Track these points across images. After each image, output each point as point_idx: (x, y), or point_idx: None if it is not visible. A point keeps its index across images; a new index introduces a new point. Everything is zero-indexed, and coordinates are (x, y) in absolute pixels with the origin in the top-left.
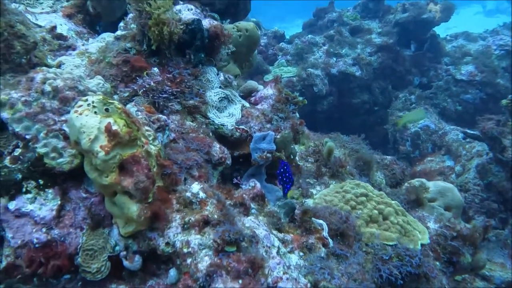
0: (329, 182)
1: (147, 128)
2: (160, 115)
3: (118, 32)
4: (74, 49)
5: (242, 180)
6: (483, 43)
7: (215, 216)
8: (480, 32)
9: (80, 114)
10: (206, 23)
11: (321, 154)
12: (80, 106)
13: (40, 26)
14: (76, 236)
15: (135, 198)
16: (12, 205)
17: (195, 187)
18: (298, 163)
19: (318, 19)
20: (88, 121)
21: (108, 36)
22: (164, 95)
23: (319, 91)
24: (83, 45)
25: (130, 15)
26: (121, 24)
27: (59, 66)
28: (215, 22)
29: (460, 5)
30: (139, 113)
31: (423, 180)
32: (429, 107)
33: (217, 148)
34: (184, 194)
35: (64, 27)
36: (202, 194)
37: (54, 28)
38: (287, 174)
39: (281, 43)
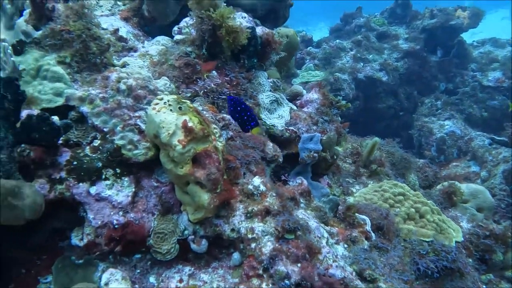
0: (367, 182)
1: (214, 126)
2: (225, 115)
3: (177, 37)
4: (135, 51)
5: (289, 177)
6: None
7: (275, 207)
8: (508, 37)
9: (159, 111)
10: (259, 30)
11: (359, 156)
12: (157, 104)
13: (103, 29)
14: (148, 220)
15: (205, 188)
16: (93, 190)
17: (256, 180)
18: (338, 163)
19: (345, 24)
20: (167, 117)
21: (162, 39)
22: (223, 96)
23: (346, 95)
24: (143, 47)
25: (187, 21)
26: (175, 28)
27: (123, 66)
28: (267, 30)
29: (487, 10)
30: (205, 112)
31: (456, 182)
32: (455, 113)
33: (271, 147)
34: (246, 186)
35: (123, 29)
36: (262, 187)
37: (117, 30)
38: (243, 108)
39: (309, 47)
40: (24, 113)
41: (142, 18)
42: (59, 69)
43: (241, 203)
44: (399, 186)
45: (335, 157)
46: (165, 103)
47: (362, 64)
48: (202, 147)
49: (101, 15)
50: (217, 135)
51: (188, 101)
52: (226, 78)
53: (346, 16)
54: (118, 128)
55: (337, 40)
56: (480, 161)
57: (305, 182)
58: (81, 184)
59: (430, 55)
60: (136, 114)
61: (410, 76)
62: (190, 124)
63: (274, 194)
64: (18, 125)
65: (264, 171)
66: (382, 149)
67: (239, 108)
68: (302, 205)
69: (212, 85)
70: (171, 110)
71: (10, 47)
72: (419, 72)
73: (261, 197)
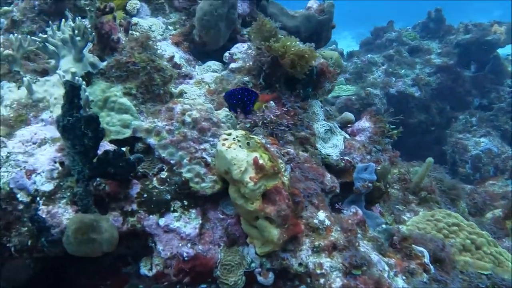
0: (417, 210)
1: (279, 160)
2: (289, 149)
3: (233, 65)
4: (190, 78)
5: (343, 206)
6: None
7: (341, 242)
8: None
9: (229, 147)
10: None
11: (406, 182)
12: (226, 139)
13: None
14: (215, 252)
15: (275, 223)
16: (162, 222)
17: (321, 215)
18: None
19: (376, 37)
20: (238, 154)
21: (213, 64)
22: (281, 127)
23: (377, 110)
24: (197, 74)
25: (238, 47)
26: (227, 54)
27: (180, 94)
28: (322, 60)
29: None
30: (269, 145)
31: None
32: (491, 130)
33: (329, 178)
34: (311, 220)
35: (176, 55)
36: (327, 221)
37: (172, 57)
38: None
39: None
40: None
41: (192, 42)
42: (126, 101)
43: (307, 237)
44: (453, 216)
45: (387, 186)
46: (234, 139)
47: (394, 79)
48: (272, 184)
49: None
50: (283, 170)
51: (255, 137)
52: (284, 109)
53: (377, 30)
54: (185, 160)
55: (369, 55)
56: None
57: (359, 211)
58: (151, 216)
59: (463, 70)
60: (202, 146)
61: (443, 91)
62: (261, 162)
63: (338, 229)
64: (94, 160)
65: (325, 203)
66: (429, 176)
67: (236, 93)
68: (359, 235)
69: (272, 116)
70: (240, 146)
71: (83, 82)
72: (452, 87)
73: (326, 231)
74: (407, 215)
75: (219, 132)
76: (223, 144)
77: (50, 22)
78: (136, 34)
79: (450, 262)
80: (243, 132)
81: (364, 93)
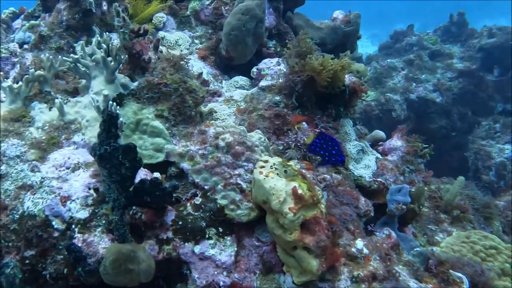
0: (450, 230)
1: (317, 187)
2: (326, 175)
3: (263, 83)
4: (219, 96)
5: (376, 228)
6: None
7: (381, 272)
8: None
9: (267, 176)
10: (347, 79)
11: (437, 200)
12: (263, 167)
13: None
14: (251, 280)
15: (313, 253)
16: (197, 249)
17: (359, 243)
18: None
19: (395, 41)
20: (276, 184)
21: (241, 80)
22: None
23: (397, 116)
24: (226, 91)
25: (266, 63)
26: (254, 70)
27: (210, 113)
28: (354, 78)
29: None
30: (304, 171)
31: None
32: None
33: (363, 202)
34: (349, 249)
35: (204, 71)
36: (365, 250)
37: (201, 74)
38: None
39: None
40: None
41: (219, 56)
42: (159, 124)
43: (345, 266)
44: (490, 238)
45: (421, 207)
46: (271, 166)
47: (414, 84)
48: (311, 214)
49: None
50: (320, 197)
51: (292, 164)
52: (316, 130)
53: (396, 33)
54: (219, 186)
55: (388, 60)
56: None
57: (393, 234)
58: (186, 244)
59: (486, 74)
60: (236, 172)
61: (465, 96)
62: (300, 192)
63: (377, 258)
64: (131, 189)
65: (360, 228)
66: (461, 193)
67: (328, 142)
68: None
69: (305, 138)
70: (277, 174)
71: (117, 106)
72: (475, 92)
73: (365, 260)
74: (440, 236)
75: (253, 157)
76: (261, 173)
77: (81, 40)
78: (163, 50)
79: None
80: (280, 159)
81: (383, 99)
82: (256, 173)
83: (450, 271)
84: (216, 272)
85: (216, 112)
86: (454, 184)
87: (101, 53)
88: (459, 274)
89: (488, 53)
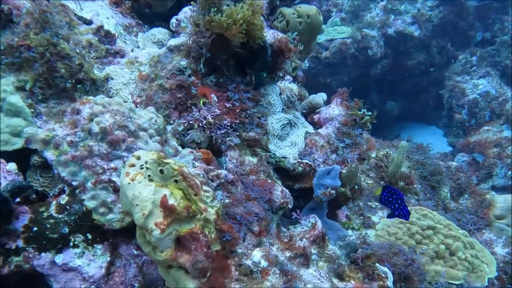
0: None
1: (205, 188)
2: (220, 171)
3: (171, 41)
4: (122, 56)
5: (302, 214)
6: None
7: None
8: None
9: (132, 180)
10: (270, 36)
11: (384, 168)
12: (132, 166)
13: (85, 21)
14: None
15: (191, 274)
16: (59, 259)
17: (257, 254)
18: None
19: None
20: (142, 191)
21: (159, 33)
22: (223, 131)
23: (373, 54)
24: (132, 50)
25: (186, 12)
26: (173, 20)
27: (106, 79)
28: (280, 35)
29: None
30: (196, 163)
31: (493, 193)
32: (491, 69)
33: (278, 193)
34: (244, 261)
35: (111, 21)
36: (264, 263)
37: (101, 27)
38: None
39: None
40: None
41: (136, 1)
42: (18, 100)
43: (237, 283)
44: (428, 217)
45: (355, 187)
46: (141, 166)
47: (392, 16)
48: (187, 228)
49: None
50: (209, 200)
51: (172, 161)
52: (228, 104)
53: None
54: (89, 184)
55: None
56: None
57: (319, 224)
58: (43, 253)
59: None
60: (112, 165)
61: (445, 27)
62: (171, 201)
63: (277, 271)
64: None
65: (268, 228)
66: (411, 158)
67: (393, 195)
68: (314, 256)
69: (210, 118)
70: (149, 176)
71: None
72: (455, 22)
73: (262, 274)
74: (379, 214)
75: (136, 145)
76: (127, 174)
77: None
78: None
79: (419, 278)
80: (156, 155)
81: (360, 36)
82: (122, 175)
83: (377, 264)
84: (83, 286)
85: (112, 78)
86: (398, 151)
87: None
88: (384, 269)
89: None
